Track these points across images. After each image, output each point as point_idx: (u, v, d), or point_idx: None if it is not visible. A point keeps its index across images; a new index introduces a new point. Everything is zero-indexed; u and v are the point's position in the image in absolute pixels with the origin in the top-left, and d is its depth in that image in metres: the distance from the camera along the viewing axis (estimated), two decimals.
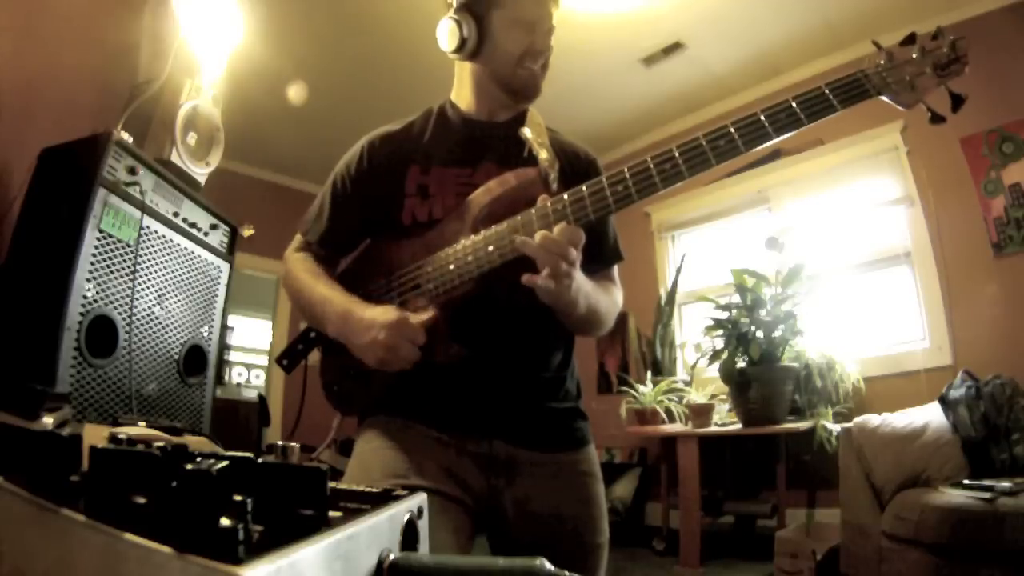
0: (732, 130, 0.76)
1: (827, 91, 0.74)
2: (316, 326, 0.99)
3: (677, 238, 4.14)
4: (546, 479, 0.93)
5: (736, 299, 2.90)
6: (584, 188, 0.81)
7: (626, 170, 0.80)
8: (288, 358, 1.04)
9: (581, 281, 0.85)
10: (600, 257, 1.00)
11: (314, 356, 1.06)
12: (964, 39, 0.73)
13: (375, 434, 0.94)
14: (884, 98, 0.75)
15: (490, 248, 0.85)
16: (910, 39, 0.75)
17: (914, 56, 0.74)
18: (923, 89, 0.74)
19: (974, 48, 0.74)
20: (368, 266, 1.01)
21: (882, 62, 0.75)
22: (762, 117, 0.76)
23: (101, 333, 1.42)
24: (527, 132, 0.98)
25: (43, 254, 1.39)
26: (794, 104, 0.75)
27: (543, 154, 0.93)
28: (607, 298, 0.98)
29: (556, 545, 0.91)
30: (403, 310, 0.87)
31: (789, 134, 0.75)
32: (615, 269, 1.07)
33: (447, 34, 0.97)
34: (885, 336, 3.05)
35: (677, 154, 0.78)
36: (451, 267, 0.87)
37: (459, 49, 0.97)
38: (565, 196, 0.82)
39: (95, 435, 0.40)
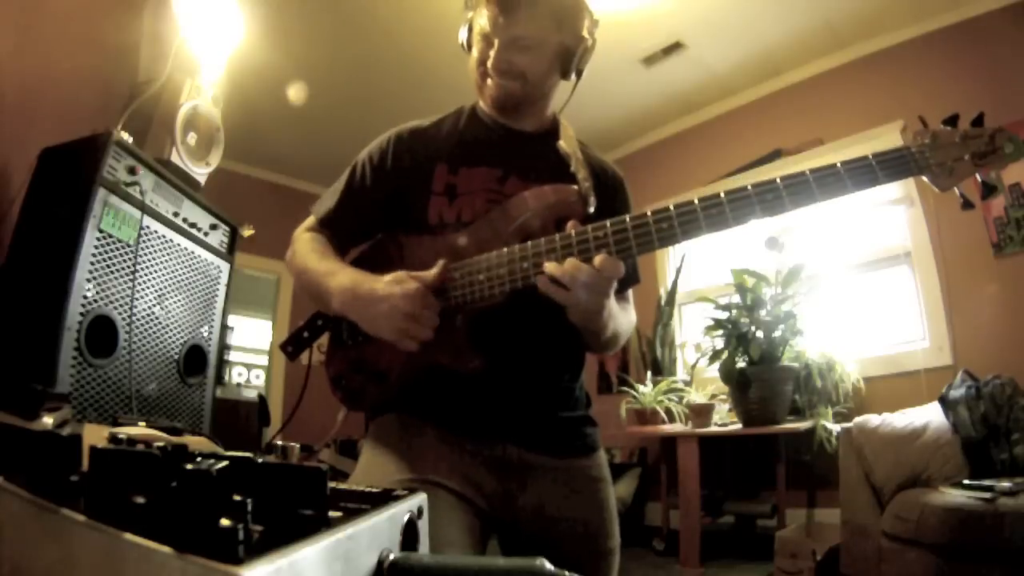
0: (780, 184, 0.76)
1: (873, 162, 0.75)
2: (319, 302, 0.96)
3: None
4: (559, 484, 0.93)
5: (736, 299, 2.90)
6: (627, 220, 0.79)
7: (672, 207, 0.78)
8: (293, 345, 1.02)
9: (611, 306, 0.85)
10: (620, 280, 1.00)
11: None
12: (1004, 131, 0.76)
13: (388, 432, 0.94)
14: (924, 178, 0.77)
15: (525, 265, 0.82)
16: (952, 120, 0.78)
17: (956, 140, 0.76)
18: (960, 175, 0.76)
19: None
20: (386, 260, 0.97)
21: (927, 142, 0.76)
22: (810, 177, 0.75)
23: (101, 333, 1.42)
24: (564, 147, 0.97)
25: (43, 254, 1.39)
26: (840, 167, 0.75)
27: (582, 172, 0.92)
28: (626, 320, 0.99)
29: (569, 549, 0.91)
30: (415, 275, 0.84)
31: (832, 199, 0.76)
32: (631, 290, 1.08)
33: None
34: (885, 336, 3.05)
35: (725, 200, 0.77)
36: (480, 277, 0.85)
37: (466, 50, 0.99)
38: (608, 224, 0.79)
39: (95, 435, 0.40)
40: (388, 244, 1.00)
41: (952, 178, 0.76)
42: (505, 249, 0.85)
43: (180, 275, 1.74)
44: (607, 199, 0.96)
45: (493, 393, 0.91)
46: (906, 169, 0.76)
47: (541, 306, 0.80)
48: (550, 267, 0.78)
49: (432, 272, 0.85)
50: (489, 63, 0.93)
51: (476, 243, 0.89)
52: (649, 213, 0.79)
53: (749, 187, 0.77)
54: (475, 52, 0.96)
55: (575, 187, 0.89)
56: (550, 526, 0.91)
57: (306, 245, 1.00)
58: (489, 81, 0.95)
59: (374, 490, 0.43)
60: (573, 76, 1.02)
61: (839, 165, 0.75)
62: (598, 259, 0.76)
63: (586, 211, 0.88)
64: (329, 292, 0.90)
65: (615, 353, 4.02)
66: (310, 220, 1.06)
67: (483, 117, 1.03)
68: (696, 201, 0.77)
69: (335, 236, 1.03)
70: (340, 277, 0.90)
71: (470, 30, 0.97)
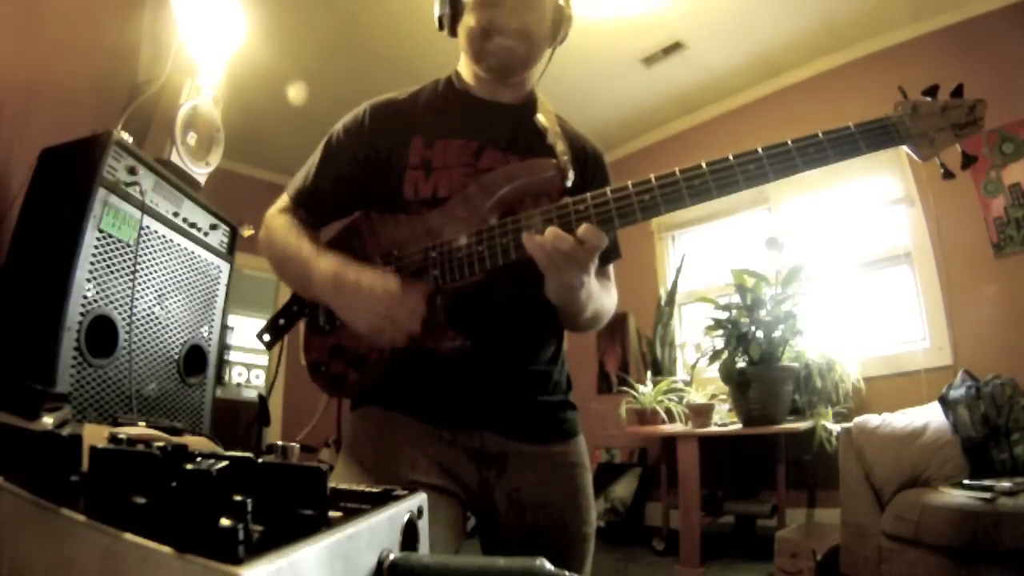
0: (762, 155, 0.76)
1: (855, 131, 0.76)
2: (298, 288, 0.95)
3: (677, 238, 4.14)
4: (536, 470, 0.93)
5: (736, 299, 2.90)
6: (608, 192, 0.79)
7: (653, 179, 0.78)
8: (270, 333, 1.00)
9: (592, 285, 0.85)
10: (601, 256, 0.99)
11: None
12: (984, 103, 0.77)
13: (368, 426, 0.93)
14: (905, 147, 0.79)
15: (504, 241, 0.82)
16: (932, 91, 0.79)
17: (936, 111, 0.78)
18: (940, 145, 0.78)
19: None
20: (360, 241, 0.96)
21: (908, 112, 0.78)
22: (792, 147, 0.76)
23: (101, 333, 1.42)
24: (543, 119, 0.96)
25: (43, 254, 1.39)
26: (822, 137, 0.76)
27: (560, 146, 0.92)
28: (608, 299, 0.98)
29: (544, 534, 0.91)
30: (402, 278, 0.84)
31: (815, 169, 0.77)
32: (611, 267, 1.06)
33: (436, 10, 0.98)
34: (885, 336, 3.05)
35: (707, 171, 0.77)
36: (460, 255, 0.85)
37: (440, 27, 0.97)
38: (588, 197, 0.79)
39: (95, 435, 0.40)
40: (363, 223, 0.98)
41: (933, 148, 0.78)
42: (484, 226, 0.85)
43: (180, 275, 1.74)
44: (586, 173, 0.97)
45: (471, 377, 0.91)
46: (888, 139, 0.77)
47: (520, 287, 0.81)
48: (528, 241, 0.77)
49: (422, 287, 0.85)
50: (500, 21, 0.91)
51: (453, 220, 0.88)
52: (631, 185, 0.79)
53: (731, 157, 0.77)
54: (473, 20, 0.93)
55: (553, 160, 0.88)
56: (526, 511, 0.91)
57: (283, 227, 0.97)
58: (491, 44, 0.93)
59: (374, 490, 0.43)
60: (554, 44, 1.01)
61: (821, 135, 0.76)
62: (581, 229, 0.76)
63: (564, 185, 0.88)
64: (310, 278, 0.88)
65: (614, 352, 4.04)
66: (283, 200, 1.03)
67: (459, 88, 1.02)
68: (678, 172, 0.78)
69: (310, 214, 1.01)
70: (322, 263, 0.88)
71: (454, 3, 0.95)
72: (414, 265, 0.89)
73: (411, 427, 0.91)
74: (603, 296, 0.94)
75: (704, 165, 0.77)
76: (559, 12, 0.97)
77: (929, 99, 0.79)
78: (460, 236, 0.85)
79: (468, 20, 0.94)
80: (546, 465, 0.94)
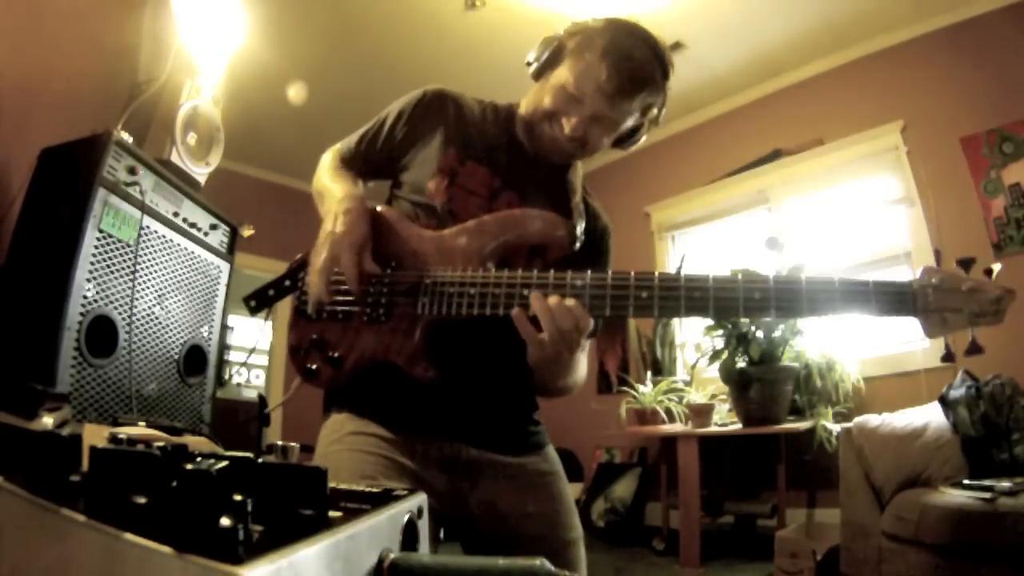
0: (772, 286, 0.74)
1: (872, 289, 0.73)
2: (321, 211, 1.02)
3: (677, 238, 4.13)
4: (509, 480, 0.94)
5: None
6: (608, 278, 0.78)
7: (656, 279, 0.77)
8: (257, 300, 1.00)
9: (567, 362, 0.86)
10: None
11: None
12: (1012, 294, 0.72)
13: (341, 433, 0.93)
14: (916, 320, 0.74)
15: (496, 292, 0.82)
16: (967, 263, 0.75)
17: (962, 290, 0.73)
18: (952, 327, 0.74)
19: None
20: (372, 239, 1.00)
21: (934, 283, 0.74)
22: (804, 285, 0.73)
23: (101, 333, 1.42)
24: (573, 180, 0.98)
25: (43, 254, 1.39)
26: (837, 283, 0.73)
27: (577, 205, 0.95)
28: (581, 370, 0.99)
29: (527, 545, 0.91)
30: (354, 247, 0.87)
31: (822, 314, 0.73)
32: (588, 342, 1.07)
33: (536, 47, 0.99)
34: (885, 336, 3.05)
35: (712, 288, 0.75)
36: (451, 291, 0.85)
37: (528, 65, 0.99)
38: (588, 276, 0.79)
39: (95, 435, 0.40)
40: (379, 221, 0.99)
41: (943, 328, 0.73)
42: (481, 271, 0.85)
43: (180, 275, 1.74)
44: (589, 243, 0.98)
45: (443, 397, 0.91)
46: (901, 307, 0.73)
47: (500, 328, 0.81)
48: (536, 301, 0.78)
49: (368, 269, 0.88)
50: (567, 125, 0.93)
51: (457, 250, 0.89)
52: (632, 277, 0.77)
53: (739, 281, 0.74)
54: (551, 101, 0.94)
55: (567, 220, 0.90)
56: (506, 524, 0.92)
57: (324, 164, 1.09)
58: (547, 127, 0.96)
59: (374, 490, 0.43)
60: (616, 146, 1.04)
61: (836, 281, 0.73)
62: (571, 302, 0.77)
63: (572, 248, 0.89)
64: (324, 199, 0.99)
65: (614, 352, 4.04)
66: (333, 150, 1.11)
67: (515, 128, 1.03)
68: (682, 280, 0.76)
69: (350, 170, 1.08)
70: (336, 189, 0.97)
71: (552, 62, 0.96)
72: (407, 286, 0.89)
73: (383, 437, 0.91)
74: (579, 368, 0.96)
75: (710, 280, 0.75)
76: (631, 131, 1.00)
77: (960, 272, 0.75)
78: (456, 275, 0.86)
79: (546, 96, 0.95)
80: (519, 475, 0.95)
